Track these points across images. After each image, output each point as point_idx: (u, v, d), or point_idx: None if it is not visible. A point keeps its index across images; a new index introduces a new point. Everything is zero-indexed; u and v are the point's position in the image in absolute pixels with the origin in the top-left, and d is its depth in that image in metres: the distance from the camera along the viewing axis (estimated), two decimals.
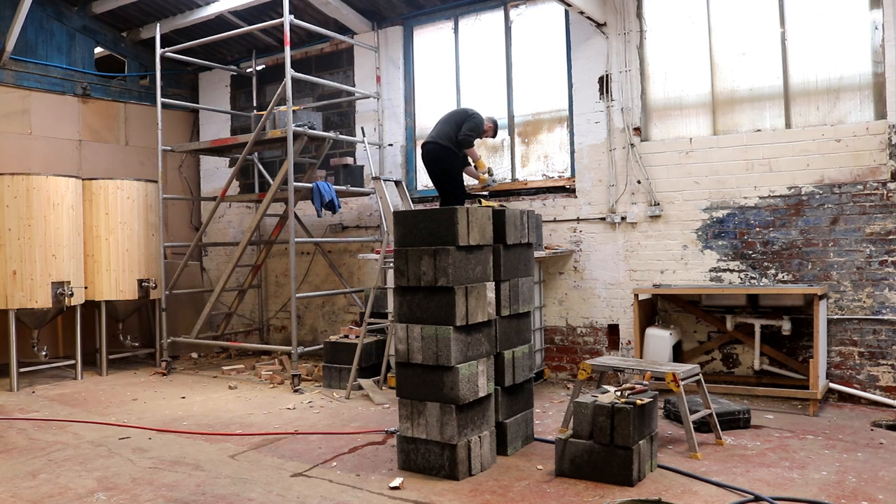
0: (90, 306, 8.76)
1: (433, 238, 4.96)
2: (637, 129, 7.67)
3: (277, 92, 7.90)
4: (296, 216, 8.36)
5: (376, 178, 7.84)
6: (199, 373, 8.92)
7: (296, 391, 7.72)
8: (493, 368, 5.26)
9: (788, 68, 7.04)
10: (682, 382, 5.32)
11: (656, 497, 4.01)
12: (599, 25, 7.75)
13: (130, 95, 9.95)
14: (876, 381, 6.60)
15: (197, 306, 9.79)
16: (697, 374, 5.54)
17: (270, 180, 9.46)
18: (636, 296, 7.05)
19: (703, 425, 5.67)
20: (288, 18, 7.70)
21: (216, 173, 10.73)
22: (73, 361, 8.55)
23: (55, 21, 9.37)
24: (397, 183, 8.41)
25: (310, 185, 8.02)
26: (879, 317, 6.57)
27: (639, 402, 4.73)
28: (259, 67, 10.23)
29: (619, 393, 4.92)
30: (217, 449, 5.74)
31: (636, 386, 5.02)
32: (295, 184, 7.80)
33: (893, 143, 6.47)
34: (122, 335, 9.16)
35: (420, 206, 8.70)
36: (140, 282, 8.84)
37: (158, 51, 8.79)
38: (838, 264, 6.74)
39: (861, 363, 6.68)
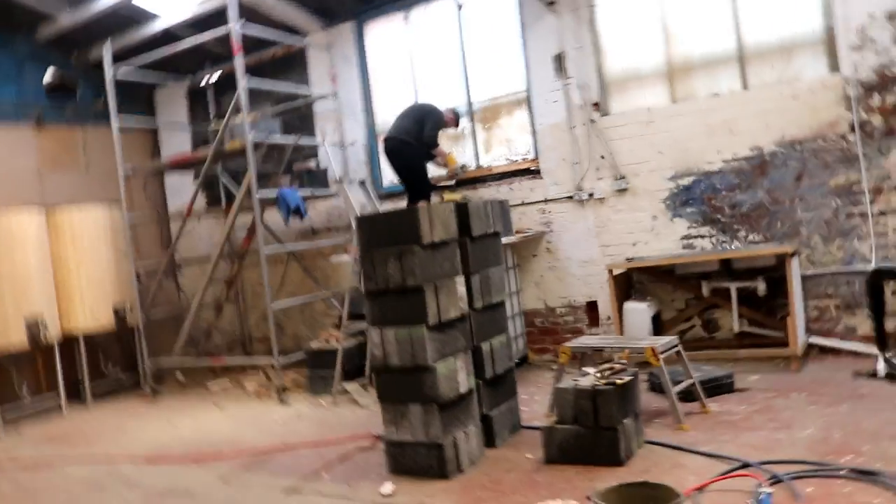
0: (69, 339, 8.63)
1: (397, 239, 4.92)
2: (596, 105, 7.64)
3: (232, 102, 7.80)
4: (265, 225, 8.28)
5: (338, 182, 7.77)
6: (186, 394, 8.83)
7: (282, 402, 7.67)
8: (471, 363, 5.24)
9: (741, 29, 7.02)
10: (662, 355, 5.34)
11: (643, 477, 4.01)
12: (550, 3, 7.70)
13: (87, 119, 9.74)
14: (854, 332, 6.65)
15: (177, 325, 9.64)
16: (677, 346, 5.55)
17: (235, 192, 9.36)
18: (610, 271, 7.06)
19: (688, 395, 5.67)
20: (235, 27, 7.58)
21: (182, 188, 10.57)
22: (56, 397, 8.43)
23: (1, 50, 9.18)
24: (361, 183, 8.33)
25: (274, 194, 7.94)
26: (851, 268, 6.60)
27: (619, 381, 4.73)
28: (213, 78, 10.09)
29: (599, 374, 4.91)
30: (207, 473, 5.69)
31: (615, 365, 5.02)
32: (259, 194, 7.73)
33: (850, 94, 6.48)
34: (104, 364, 9.05)
35: (388, 203, 8.64)
36: (115, 310, 8.73)
37: (108, 72, 8.63)
38: (806, 220, 6.77)
39: (838, 315, 6.73)
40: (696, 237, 7.25)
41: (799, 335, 6.41)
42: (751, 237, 7.00)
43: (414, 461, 4.96)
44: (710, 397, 5.78)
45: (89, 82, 9.86)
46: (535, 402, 6.48)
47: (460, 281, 5.18)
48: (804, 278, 6.78)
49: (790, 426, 5.00)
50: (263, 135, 7.85)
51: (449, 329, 5.04)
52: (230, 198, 9.78)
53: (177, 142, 10.69)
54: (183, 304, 10.14)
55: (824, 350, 6.76)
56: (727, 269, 6.90)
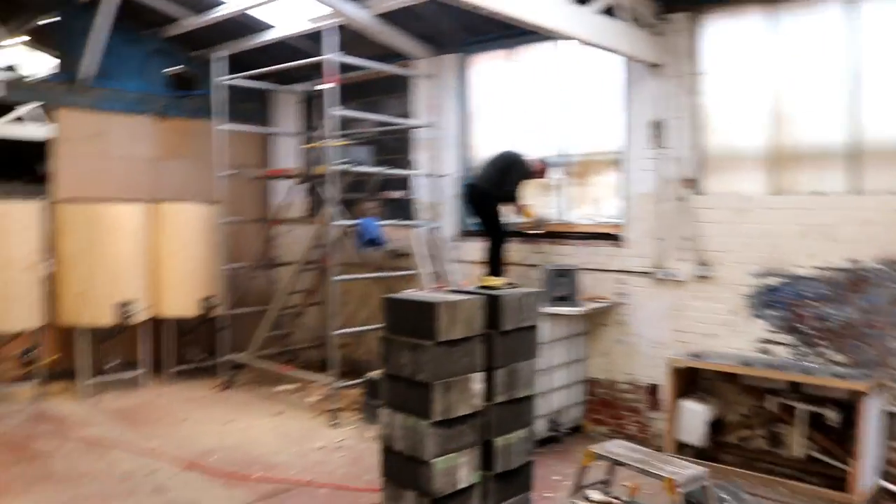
0: (157, 321, 9.27)
1: (416, 330, 4.87)
2: (689, 181, 7.19)
3: (323, 126, 7.95)
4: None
5: (405, 226, 7.83)
6: (255, 389, 9.28)
7: (332, 425, 7.88)
8: (479, 457, 5.15)
9: (861, 123, 6.33)
10: (682, 489, 5.02)
11: None
12: (654, 66, 7.27)
13: (204, 113, 10.27)
14: None
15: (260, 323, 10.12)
16: (703, 480, 5.19)
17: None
18: (672, 366, 6.69)
19: None
20: (332, 57, 7.71)
21: (287, 192, 10.92)
22: (140, 371, 9.11)
23: (130, 46, 9.84)
24: (432, 229, 8.31)
25: (355, 222, 8.08)
26: None
27: None
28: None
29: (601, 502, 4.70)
30: (228, 497, 5.99)
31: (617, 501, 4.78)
32: (339, 222, 7.90)
33: None
34: (187, 348, 9.66)
35: (471, 240, 8.57)
36: (202, 300, 9.26)
37: (217, 77, 9.02)
38: None
39: None
40: (774, 343, 6.71)
41: (866, 480, 5.83)
42: (835, 356, 6.39)
43: None
44: None
45: (208, 81, 10.37)
46: (563, 486, 6.29)
47: (477, 377, 5.07)
48: (889, 415, 6.13)
49: None
50: (349, 163, 7.95)
51: (457, 425, 4.95)
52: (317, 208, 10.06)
53: (286, 146, 11.05)
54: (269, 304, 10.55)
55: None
56: (797, 387, 6.36)
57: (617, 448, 5.68)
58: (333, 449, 7.23)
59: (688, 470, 5.21)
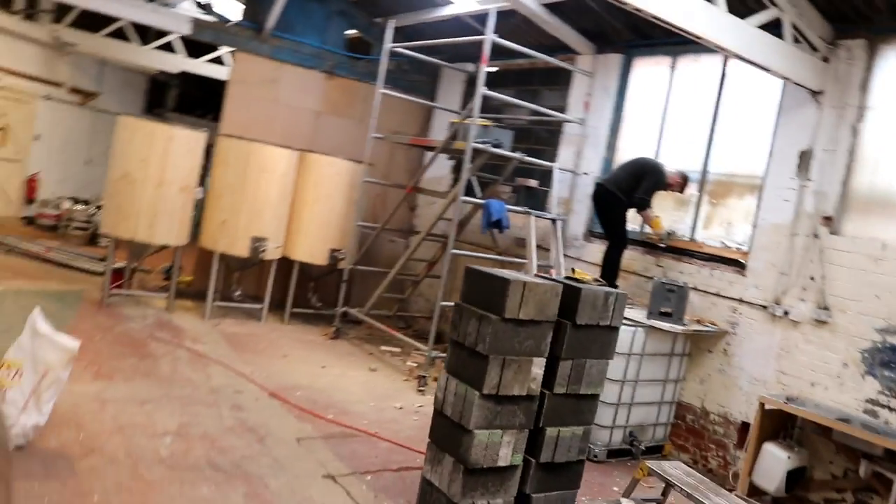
0: (287, 262, 9.88)
1: (486, 303, 4.94)
2: (828, 219, 6.71)
3: (469, 104, 8.14)
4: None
5: (526, 212, 7.82)
6: (363, 344, 9.69)
7: (419, 391, 8.10)
8: (525, 441, 5.15)
9: None
10: None
11: None
12: (815, 94, 6.83)
13: (373, 78, 10.76)
14: None
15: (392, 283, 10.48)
16: None
17: (475, 182, 9.82)
18: (761, 405, 6.32)
19: None
20: (488, 37, 7.85)
21: (438, 164, 11.24)
22: (261, 306, 9.78)
23: (315, 3, 10.48)
24: (554, 221, 8.26)
25: (482, 201, 8.22)
26: None
27: None
28: (493, 69, 10.50)
29: None
30: (296, 428, 6.35)
31: None
32: (464, 198, 8.08)
33: None
34: (309, 293, 10.23)
35: (596, 242, 8.48)
36: (332, 250, 9.78)
37: (387, 44, 9.42)
38: None
39: None
40: (883, 406, 6.15)
41: None
42: None
43: (431, 502, 5.10)
44: None
45: (381, 48, 10.85)
46: (614, 496, 6.15)
47: (538, 363, 5.06)
48: None
49: None
50: (488, 143, 8.08)
51: (507, 403, 4.98)
52: (470, 185, 10.26)
53: (444, 122, 11.33)
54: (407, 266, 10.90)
55: None
56: (893, 457, 5.82)
57: (674, 469, 5.49)
58: (411, 411, 7.43)
59: None
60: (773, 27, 6.50)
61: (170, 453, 5.40)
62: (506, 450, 5.04)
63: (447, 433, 5.11)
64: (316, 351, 8.98)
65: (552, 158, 9.33)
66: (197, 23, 9.96)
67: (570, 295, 5.19)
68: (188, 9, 10.79)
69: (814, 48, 6.76)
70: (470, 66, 10.77)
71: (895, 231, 6.36)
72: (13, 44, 12.85)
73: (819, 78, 6.79)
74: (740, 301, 7.24)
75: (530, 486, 5.28)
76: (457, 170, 10.69)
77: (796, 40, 6.65)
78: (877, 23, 6.59)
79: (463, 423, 4.93)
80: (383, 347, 9.61)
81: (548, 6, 8.60)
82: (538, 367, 5.07)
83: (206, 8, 10.58)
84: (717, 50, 6.31)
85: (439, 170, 11.21)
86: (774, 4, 6.47)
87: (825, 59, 6.81)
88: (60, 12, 13.00)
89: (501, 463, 5.04)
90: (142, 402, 6.21)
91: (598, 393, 5.51)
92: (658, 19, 5.72)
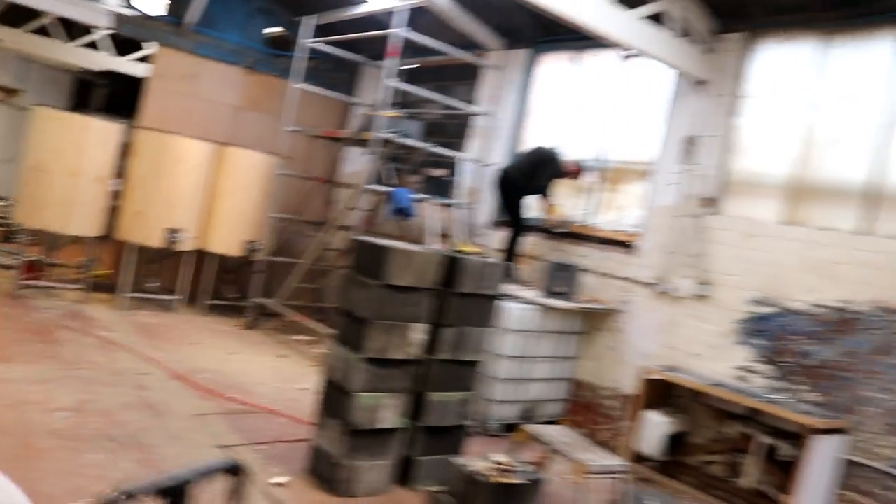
0: (204, 254, 9.98)
1: (369, 270, 5.19)
2: (708, 200, 7.14)
3: (377, 97, 8.40)
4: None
5: (427, 199, 8.13)
6: (276, 334, 9.83)
7: None
8: (409, 405, 5.40)
9: (884, 165, 6.14)
10: (593, 477, 5.09)
11: None
12: (700, 83, 7.27)
13: (293, 75, 10.96)
14: None
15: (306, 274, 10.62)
16: (622, 472, 5.23)
17: (389, 174, 10.06)
18: (645, 375, 6.68)
19: None
20: (397, 32, 8.14)
21: (358, 159, 11.44)
22: (176, 297, 9.85)
23: (237, 1, 10.66)
24: (456, 206, 8.57)
25: (388, 189, 8.48)
26: None
27: (502, 479, 4.65)
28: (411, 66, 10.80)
29: (498, 464, 4.84)
30: (195, 406, 6.48)
31: (514, 464, 4.89)
32: (370, 186, 8.33)
33: None
34: (224, 285, 10.34)
35: (501, 230, 8.79)
36: (246, 242, 9.91)
37: (303, 40, 9.65)
38: (875, 401, 5.87)
39: None
40: (753, 372, 6.58)
41: None
42: (808, 395, 6.21)
43: (321, 469, 5.31)
44: None
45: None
46: None
47: (419, 328, 5.32)
48: (847, 462, 5.92)
49: None
50: (395, 133, 8.36)
51: (389, 367, 5.23)
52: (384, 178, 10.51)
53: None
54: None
55: None
56: (759, 418, 6.22)
57: (552, 431, 5.78)
58: (314, 392, 7.60)
59: (606, 461, 5.27)
60: (659, 19, 6.92)
61: (65, 426, 5.50)
62: (388, 412, 5.28)
63: (333, 398, 5.33)
64: (228, 340, 9.10)
65: (464, 150, 9.64)
66: (118, 17, 10.03)
67: (453, 265, 5.48)
68: (112, 3, 10.82)
69: (700, 40, 7.19)
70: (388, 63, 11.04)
71: (765, 210, 6.83)
72: None
73: (704, 68, 7.23)
74: (630, 280, 7.63)
75: (414, 450, 5.53)
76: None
77: (684, 32, 7.07)
78: (754, 18, 7.07)
79: (347, 386, 5.17)
80: (295, 336, 9.76)
81: (459, 2, 8.92)
82: (419, 334, 5.34)
83: (130, 3, 10.63)
84: (605, 40, 6.69)
85: (359, 164, 11.43)
86: None
87: (710, 51, 7.25)
88: None
89: (385, 425, 5.28)
90: (41, 382, 6.27)
91: (480, 360, 5.81)
92: (545, 10, 6.06)
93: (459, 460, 4.91)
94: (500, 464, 4.80)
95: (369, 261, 5.22)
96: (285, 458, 5.63)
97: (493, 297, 5.74)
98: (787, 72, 6.87)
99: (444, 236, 8.05)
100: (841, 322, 6.10)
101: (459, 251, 5.95)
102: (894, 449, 5.72)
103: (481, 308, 5.68)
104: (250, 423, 6.30)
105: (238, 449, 5.65)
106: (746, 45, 7.16)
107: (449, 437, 5.68)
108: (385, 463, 5.32)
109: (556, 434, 5.70)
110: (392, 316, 5.18)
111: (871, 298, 5.96)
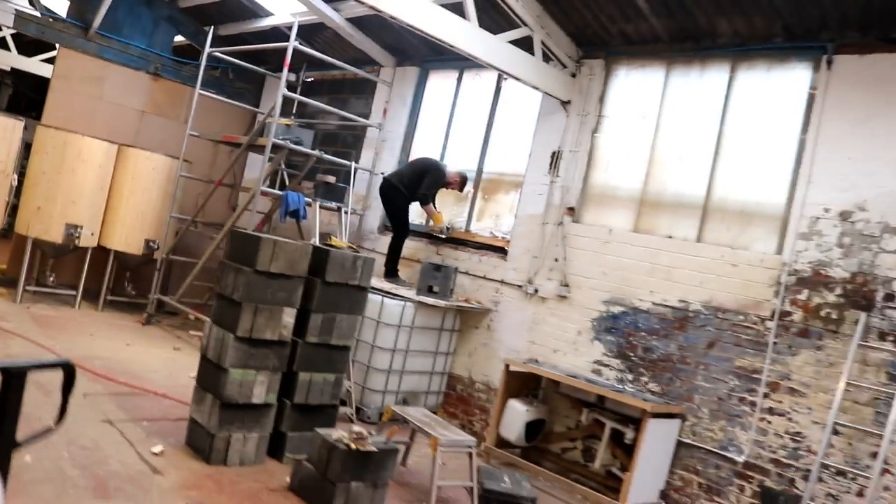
0: (103, 252, 10.20)
1: (243, 258, 5.67)
2: (571, 209, 7.88)
3: (273, 105, 8.89)
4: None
5: (310, 204, 8.68)
6: (174, 330, 10.12)
7: None
8: (279, 383, 5.86)
9: (714, 182, 6.98)
10: (446, 450, 5.65)
11: None
12: (564, 103, 8.03)
13: (196, 82, 11.35)
14: None
15: (206, 273, 10.92)
16: (469, 447, 5.81)
17: (286, 179, 10.52)
18: (506, 366, 7.33)
19: (489, 501, 5.92)
20: (291, 45, 8.67)
21: (258, 165, 11.85)
22: (76, 292, 10.04)
23: (144, 7, 11.01)
24: (345, 212, 9.10)
25: (281, 192, 8.95)
26: (724, 452, 6.41)
27: (354, 446, 5.17)
28: (310, 79, 11.35)
29: (354, 435, 5.35)
30: (86, 387, 6.74)
31: (366, 434, 5.42)
32: (265, 189, 8.79)
33: (782, 281, 6.30)
34: (126, 282, 10.58)
35: (388, 235, 9.34)
36: (147, 241, 10.20)
37: (206, 49, 10.06)
38: (703, 389, 6.64)
39: (698, 494, 6.55)
40: (606, 366, 7.30)
41: (641, 494, 6.36)
42: (651, 385, 6.96)
43: (197, 440, 5.71)
44: None
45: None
46: None
47: (289, 312, 5.81)
48: (681, 444, 6.66)
49: None
50: (288, 140, 8.86)
51: (261, 346, 5.70)
52: (284, 183, 10.96)
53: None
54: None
55: None
56: (606, 405, 6.93)
57: (415, 412, 6.33)
58: None
59: (457, 437, 5.86)
60: (527, 44, 7.66)
61: None
62: (260, 388, 5.74)
63: (209, 374, 5.76)
64: (125, 333, 9.35)
65: (357, 160, 10.19)
66: (20, 16, 10.23)
67: (321, 256, 6.00)
68: (17, 2, 10.98)
69: (563, 64, 7.97)
70: (291, 76, 11.53)
71: (619, 219, 7.59)
72: None
73: (567, 90, 8.00)
74: (502, 282, 8.29)
75: (285, 425, 6.00)
76: (275, 171, 11.36)
77: (546, 57, 7.83)
78: (611, 46, 7.88)
79: (220, 362, 5.61)
80: (192, 332, 10.06)
81: (352, 21, 9.51)
82: (289, 317, 5.83)
83: (35, 4, 10.80)
84: (472, 60, 7.37)
85: (254, 171, 11.81)
86: (524, 24, 7.62)
87: (573, 75, 8.04)
88: None
89: (256, 400, 5.73)
90: None
91: (349, 345, 6.34)
92: (415, 28, 6.71)
93: (322, 431, 5.41)
94: (357, 434, 5.33)
95: (244, 249, 5.70)
96: (168, 433, 5.99)
97: (360, 288, 6.27)
98: (639, 95, 7.68)
99: (327, 235, 8.54)
100: (679, 320, 6.88)
101: (330, 245, 6.47)
102: (720, 432, 6.50)
103: (349, 297, 6.20)
104: (138, 403, 6.64)
105: (123, 424, 5.99)
106: (604, 69, 7.96)
107: (319, 415, 6.16)
108: (257, 435, 5.76)
109: (417, 414, 6.26)
110: (264, 299, 5.65)
111: (703, 299, 6.76)
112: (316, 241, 8.28)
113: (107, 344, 8.56)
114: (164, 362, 8.36)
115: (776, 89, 6.74)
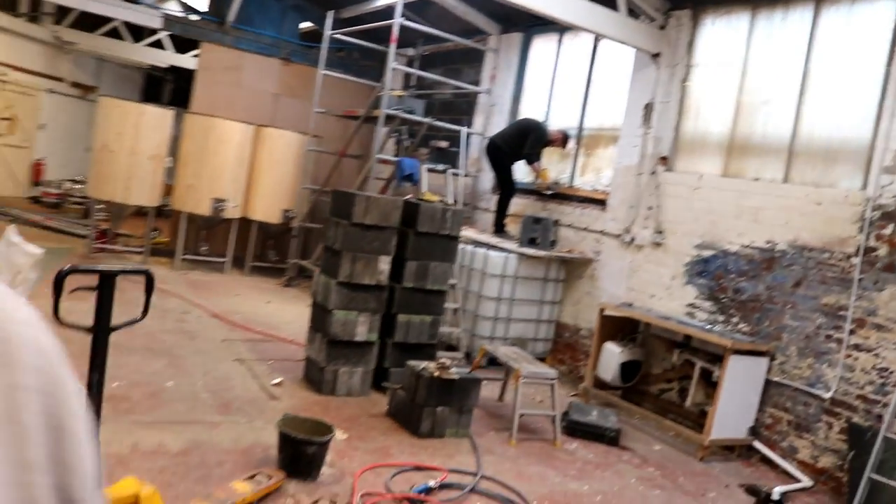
0: (247, 222, 11.42)
1: (342, 213, 6.41)
2: (664, 159, 8.05)
3: (385, 76, 9.61)
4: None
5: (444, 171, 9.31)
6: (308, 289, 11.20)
7: None
8: (379, 323, 6.58)
9: (799, 123, 6.96)
10: (528, 381, 6.16)
11: (431, 457, 5.17)
12: (654, 56, 8.19)
13: (325, 64, 12.30)
14: (795, 453, 6.55)
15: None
16: (551, 379, 6.28)
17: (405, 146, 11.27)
18: (601, 310, 7.68)
19: (574, 430, 6.39)
20: (397, 21, 9.32)
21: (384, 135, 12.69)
22: (224, 260, 11.33)
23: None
24: (453, 174, 9.66)
25: (395, 159, 9.69)
26: (813, 390, 6.48)
27: (438, 374, 5.79)
28: (425, 52, 11.99)
29: (440, 365, 5.97)
30: (224, 334, 7.84)
31: (450, 365, 6.01)
32: (380, 156, 9.56)
33: (866, 217, 6.26)
34: (266, 249, 11.77)
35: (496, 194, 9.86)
36: (284, 210, 11.30)
37: (327, 31, 10.93)
38: (790, 328, 6.72)
39: (787, 431, 6.65)
40: (698, 308, 7.48)
41: (724, 428, 6.57)
42: (741, 325, 7.09)
43: (311, 374, 6.57)
44: (590, 441, 6.38)
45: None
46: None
47: (384, 259, 6.50)
48: (770, 383, 6.77)
49: (581, 479, 5.59)
50: (400, 111, 9.55)
51: (360, 291, 6.43)
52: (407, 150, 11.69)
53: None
54: None
55: (765, 459, 6.73)
56: (694, 345, 7.13)
57: (506, 350, 6.87)
58: None
59: (538, 370, 6.34)
60: (614, 2, 7.89)
61: (115, 339, 6.90)
62: (362, 328, 6.49)
63: (318, 316, 6.58)
64: (266, 294, 10.49)
65: (470, 125, 10.75)
66: (167, 18, 11.57)
67: (412, 209, 6.64)
68: (170, 7, 12.41)
69: (651, 18, 8.12)
70: (410, 51, 12.25)
71: (708, 165, 7.71)
72: (18, 43, 14.63)
73: (656, 42, 8.14)
74: (602, 233, 8.61)
75: (388, 361, 6.73)
76: (398, 142, 12.14)
77: (633, 13, 8.01)
78: None
79: (326, 305, 6.41)
80: None
81: None
82: (384, 264, 6.52)
83: (186, 6, 12.15)
84: (575, 28, 7.70)
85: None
86: None
87: (661, 27, 8.16)
88: (61, 14, 14.75)
89: (359, 338, 6.49)
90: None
91: (444, 290, 6.95)
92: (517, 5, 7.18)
93: (412, 362, 6.08)
94: (441, 364, 5.95)
95: (342, 205, 6.44)
96: (289, 371, 6.89)
97: (451, 238, 6.86)
98: (725, 43, 7.71)
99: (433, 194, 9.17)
100: (766, 260, 6.96)
101: (422, 199, 7.08)
102: (808, 369, 6.57)
103: (441, 246, 6.81)
104: (268, 348, 7.62)
105: (252, 363, 6.96)
106: (692, 20, 8.02)
107: (419, 353, 6.82)
108: (361, 370, 6.52)
109: (508, 351, 6.80)
110: (360, 248, 6.38)
111: (789, 239, 6.80)
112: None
113: (249, 302, 9.69)
114: (296, 316, 9.34)
115: (860, 24, 6.62)
